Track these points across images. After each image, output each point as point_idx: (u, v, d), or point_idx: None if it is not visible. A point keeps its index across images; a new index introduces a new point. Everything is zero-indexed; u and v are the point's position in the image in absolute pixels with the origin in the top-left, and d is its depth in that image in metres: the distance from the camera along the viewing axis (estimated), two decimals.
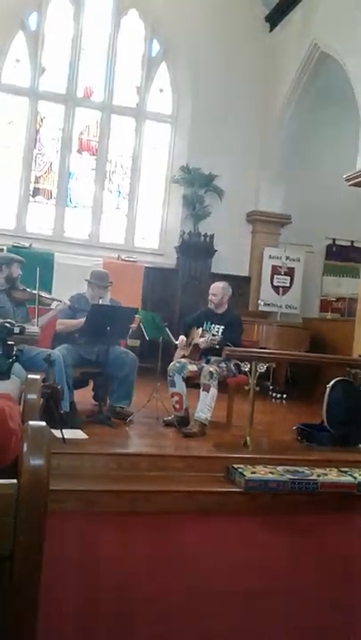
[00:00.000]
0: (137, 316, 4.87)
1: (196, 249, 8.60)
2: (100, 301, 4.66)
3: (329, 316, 8.79)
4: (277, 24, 8.93)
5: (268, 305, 8.63)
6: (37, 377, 2.02)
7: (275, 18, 8.94)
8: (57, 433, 3.66)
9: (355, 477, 3.82)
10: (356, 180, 6.65)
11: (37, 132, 8.76)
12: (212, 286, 5.08)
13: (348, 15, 6.98)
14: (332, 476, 3.84)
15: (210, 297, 5.01)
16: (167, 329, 4.96)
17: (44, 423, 1.26)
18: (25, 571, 1.17)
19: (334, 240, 9.49)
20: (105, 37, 8.93)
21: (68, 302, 4.73)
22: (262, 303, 8.57)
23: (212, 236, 8.58)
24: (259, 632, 2.24)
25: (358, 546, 3.21)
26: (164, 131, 9.21)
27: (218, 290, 4.98)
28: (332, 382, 4.65)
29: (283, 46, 8.71)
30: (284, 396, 7.10)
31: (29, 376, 1.98)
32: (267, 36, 9.11)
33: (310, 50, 7.89)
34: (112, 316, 4.49)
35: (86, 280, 4.88)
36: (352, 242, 9.26)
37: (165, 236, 9.08)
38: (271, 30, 9.09)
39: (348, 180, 6.76)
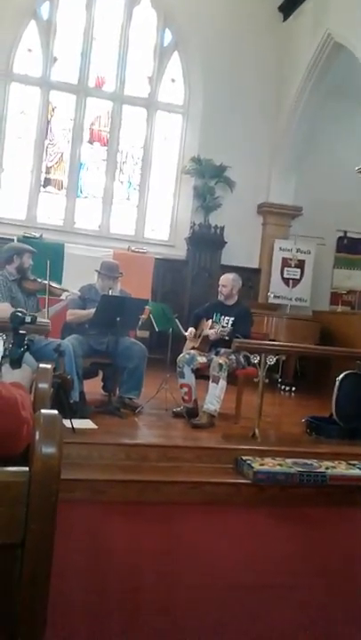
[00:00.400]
0: (147, 307, 4.87)
1: (207, 240, 8.58)
2: (110, 292, 4.67)
3: (339, 309, 8.74)
4: (291, 14, 8.83)
5: (278, 297, 8.60)
6: (49, 366, 2.03)
7: (288, 7, 8.83)
8: (66, 423, 3.69)
9: None
10: None
11: (49, 122, 8.74)
12: (222, 277, 5.06)
13: None
14: (341, 469, 3.83)
15: (220, 288, 5.00)
16: (177, 320, 4.96)
17: (56, 412, 1.26)
18: (36, 559, 1.18)
19: (345, 233, 9.43)
20: (117, 27, 8.87)
21: (79, 293, 4.74)
22: (272, 295, 8.54)
23: (222, 228, 8.55)
24: (266, 624, 2.25)
25: None
26: (175, 121, 9.16)
27: (228, 281, 4.97)
28: (341, 375, 4.64)
29: (296, 36, 8.61)
30: (293, 388, 7.08)
31: (41, 365, 1.98)
32: (280, 25, 9.01)
33: (324, 40, 7.80)
34: (122, 307, 4.50)
35: (96, 270, 4.88)
36: None
37: (176, 228, 9.05)
38: (285, 20, 8.99)
39: (359, 172, 6.71)
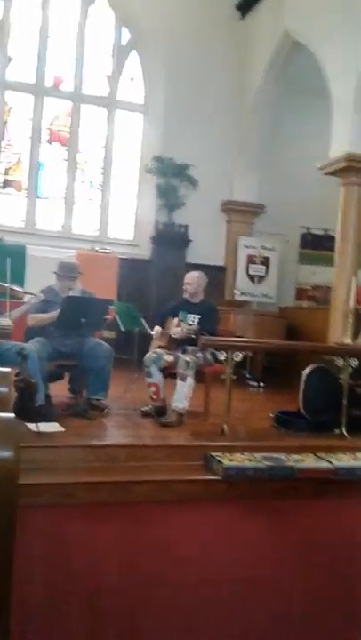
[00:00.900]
0: (112, 307, 4.83)
1: (171, 239, 8.57)
2: (70, 293, 4.60)
3: (305, 304, 8.86)
4: (248, 12, 8.89)
5: (244, 294, 8.65)
6: (8, 370, 1.98)
7: (246, 6, 8.89)
8: (32, 426, 3.61)
9: (331, 463, 3.85)
10: (330, 169, 6.68)
11: (5, 122, 8.59)
12: (187, 275, 5.05)
13: (319, 3, 6.98)
14: (309, 462, 3.85)
15: (185, 286, 4.98)
16: (143, 319, 4.93)
17: (12, 415, 1.22)
18: None
19: (309, 229, 9.55)
20: (73, 26, 8.79)
21: (43, 296, 4.66)
22: (238, 292, 8.58)
23: (186, 226, 8.56)
24: (240, 618, 2.25)
25: (335, 530, 3.24)
26: (136, 120, 9.12)
27: (193, 279, 4.96)
28: (307, 369, 4.68)
29: (254, 35, 8.68)
30: (261, 384, 7.13)
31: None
32: (238, 24, 9.06)
33: (282, 38, 7.88)
34: (86, 308, 4.44)
35: (54, 272, 4.81)
36: (326, 230, 9.31)
37: (140, 227, 9.02)
38: (243, 18, 9.05)
39: (321, 168, 6.80)
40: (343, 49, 6.48)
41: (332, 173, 6.66)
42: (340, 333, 6.23)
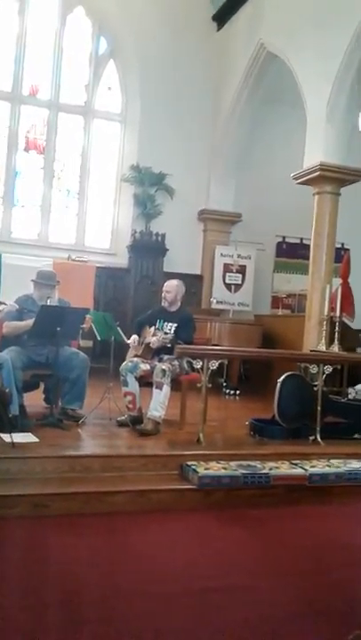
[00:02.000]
0: (88, 316, 4.81)
1: (148, 248, 8.59)
2: (49, 301, 4.57)
3: (280, 312, 8.94)
4: (224, 24, 9.01)
5: (221, 302, 8.70)
6: None
7: (222, 17, 9.01)
8: (6, 437, 3.58)
9: (305, 470, 3.89)
10: (304, 179, 6.78)
11: None
12: (166, 283, 5.06)
13: (293, 16, 7.10)
14: (284, 469, 3.89)
15: (163, 294, 4.99)
16: (119, 328, 4.93)
17: None
18: None
19: (284, 238, 9.66)
20: (51, 34, 8.80)
21: (17, 305, 4.62)
22: (215, 301, 8.63)
23: (163, 235, 8.59)
24: (216, 627, 2.25)
25: (310, 536, 3.26)
26: (113, 129, 9.16)
27: (172, 287, 4.97)
28: (282, 377, 4.72)
29: (230, 46, 8.79)
30: (238, 392, 7.16)
31: None
32: (215, 35, 9.17)
33: (257, 50, 7.99)
34: (61, 317, 4.42)
35: (32, 280, 4.78)
36: (301, 239, 9.43)
37: (117, 236, 9.03)
38: (219, 29, 9.16)
39: (295, 178, 6.89)
40: (316, 61, 6.61)
41: (306, 183, 6.76)
42: (315, 341, 6.31)
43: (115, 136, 9.15)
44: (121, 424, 4.59)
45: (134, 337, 4.91)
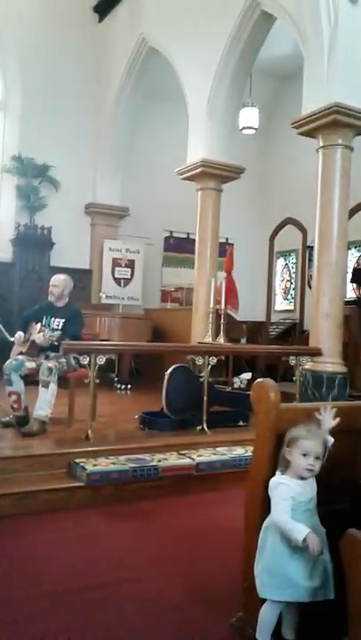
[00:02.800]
0: None
1: (34, 242, 8.34)
2: None
3: (169, 305, 9.07)
4: (106, 16, 8.91)
5: (110, 297, 8.67)
6: None
7: (103, 9, 8.90)
8: None
9: (193, 459, 4.00)
10: (187, 175, 6.92)
11: None
12: (53, 278, 4.92)
13: (173, 10, 7.16)
14: (172, 459, 3.97)
15: (50, 289, 4.85)
16: (1, 325, 4.74)
17: None
18: None
19: (172, 232, 9.80)
20: None
21: None
22: (104, 295, 8.58)
23: (49, 229, 8.37)
24: (100, 624, 2.24)
25: (196, 522, 3.36)
26: None
27: (59, 281, 4.84)
28: (170, 369, 4.80)
29: (112, 38, 8.71)
30: (129, 386, 7.18)
31: None
32: (96, 26, 9.04)
33: (139, 44, 7.99)
34: None
35: None
36: (188, 234, 9.63)
37: None
38: (100, 21, 9.04)
39: (179, 173, 7.01)
40: (195, 56, 6.73)
41: (190, 179, 6.91)
42: (202, 333, 6.48)
43: None
44: (6, 425, 4.43)
45: (19, 333, 4.74)
